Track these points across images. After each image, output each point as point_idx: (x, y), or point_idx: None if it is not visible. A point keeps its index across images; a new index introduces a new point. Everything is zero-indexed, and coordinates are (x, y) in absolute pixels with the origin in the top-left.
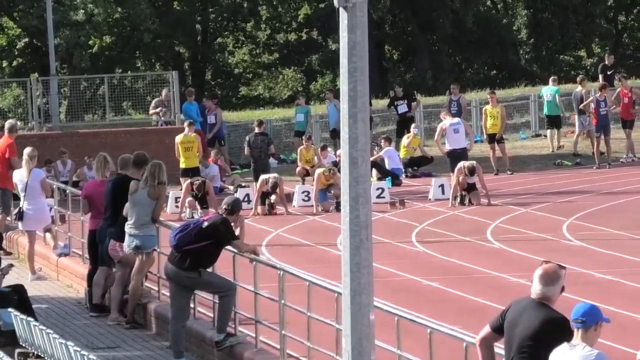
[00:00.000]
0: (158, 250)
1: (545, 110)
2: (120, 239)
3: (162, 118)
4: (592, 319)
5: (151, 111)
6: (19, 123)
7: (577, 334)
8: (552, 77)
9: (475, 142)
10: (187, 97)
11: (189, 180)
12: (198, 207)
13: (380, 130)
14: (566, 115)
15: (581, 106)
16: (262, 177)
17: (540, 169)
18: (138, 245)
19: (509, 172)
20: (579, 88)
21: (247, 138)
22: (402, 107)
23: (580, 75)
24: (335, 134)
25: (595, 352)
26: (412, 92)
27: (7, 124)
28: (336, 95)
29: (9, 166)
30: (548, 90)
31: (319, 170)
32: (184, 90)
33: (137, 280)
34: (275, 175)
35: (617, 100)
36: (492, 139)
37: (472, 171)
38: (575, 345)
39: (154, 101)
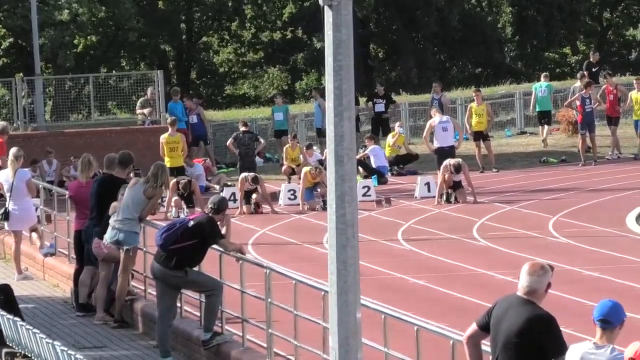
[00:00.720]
0: (144, 249)
1: (538, 106)
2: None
3: (149, 118)
4: (617, 319)
5: (138, 110)
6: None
7: (602, 335)
8: (544, 74)
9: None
10: (173, 96)
11: (174, 180)
12: (184, 206)
13: (366, 129)
14: (552, 112)
15: (566, 103)
16: (242, 175)
17: (526, 166)
18: (120, 240)
19: (494, 170)
20: (577, 83)
21: (234, 134)
22: (380, 106)
23: (581, 72)
24: (321, 132)
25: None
26: (391, 93)
27: None
28: (323, 93)
29: None
30: (541, 86)
31: (305, 169)
32: (169, 89)
33: (123, 279)
34: (254, 174)
35: (603, 98)
36: (478, 136)
37: (457, 169)
38: (601, 346)
39: (139, 100)
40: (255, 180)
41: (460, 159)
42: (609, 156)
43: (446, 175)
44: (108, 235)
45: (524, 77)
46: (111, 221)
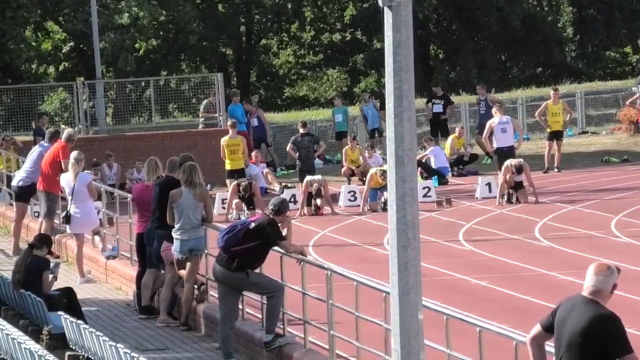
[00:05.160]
0: (206, 252)
1: None
2: (173, 240)
3: (221, 117)
4: None
5: (205, 113)
6: (62, 126)
7: None
8: None
9: (523, 140)
10: (232, 98)
11: (235, 182)
12: (245, 208)
13: (425, 130)
14: (612, 112)
15: (628, 102)
16: (307, 178)
17: (588, 166)
18: (193, 248)
19: (556, 170)
20: None
21: (292, 138)
22: (438, 107)
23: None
24: (373, 134)
25: None
26: (450, 94)
27: (65, 133)
28: (377, 96)
29: (59, 170)
30: None
31: (372, 170)
32: (229, 92)
33: (190, 284)
34: (319, 178)
35: None
36: (553, 136)
37: (519, 169)
38: None
39: (203, 103)
40: (318, 193)
41: (521, 159)
42: None
43: (507, 176)
44: (177, 248)
45: (584, 77)
46: (176, 234)
